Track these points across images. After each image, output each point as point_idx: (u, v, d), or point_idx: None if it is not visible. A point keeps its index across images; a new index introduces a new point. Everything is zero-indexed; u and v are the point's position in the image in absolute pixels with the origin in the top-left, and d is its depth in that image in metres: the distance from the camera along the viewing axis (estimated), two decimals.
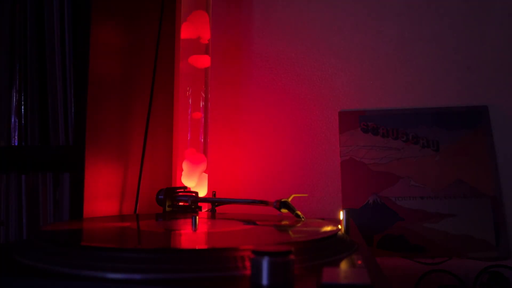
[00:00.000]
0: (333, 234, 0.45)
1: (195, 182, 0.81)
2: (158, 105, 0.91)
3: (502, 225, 0.78)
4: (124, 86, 0.81)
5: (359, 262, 0.37)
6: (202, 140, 0.84)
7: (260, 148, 0.95)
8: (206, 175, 0.83)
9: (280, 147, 0.94)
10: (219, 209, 0.72)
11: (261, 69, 0.97)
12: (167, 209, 0.71)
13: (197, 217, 0.52)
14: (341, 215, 0.53)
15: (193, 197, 0.73)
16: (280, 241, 0.44)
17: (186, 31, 0.85)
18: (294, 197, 0.65)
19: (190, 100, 0.83)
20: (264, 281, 0.28)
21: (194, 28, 0.85)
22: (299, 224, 0.55)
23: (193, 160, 0.82)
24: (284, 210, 0.62)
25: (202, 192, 0.81)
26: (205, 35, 0.86)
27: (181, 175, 0.83)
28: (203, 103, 0.84)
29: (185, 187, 0.78)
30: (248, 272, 0.33)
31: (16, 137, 0.75)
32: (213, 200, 0.72)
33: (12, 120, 0.75)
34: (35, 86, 0.74)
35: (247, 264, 0.33)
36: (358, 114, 0.90)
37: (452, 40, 0.88)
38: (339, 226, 0.51)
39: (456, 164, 0.83)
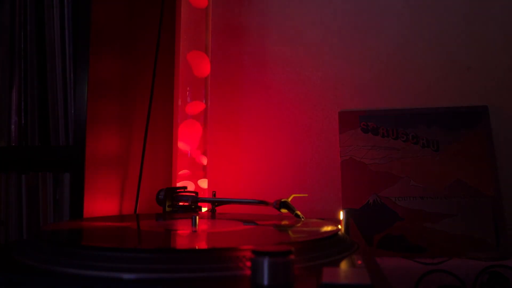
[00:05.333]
0: (333, 234, 0.45)
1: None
2: (158, 105, 0.91)
3: (502, 225, 0.78)
4: (125, 86, 0.81)
5: (359, 262, 0.37)
6: (202, 140, 0.84)
7: (260, 148, 0.95)
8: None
9: (280, 147, 0.94)
10: (219, 209, 0.72)
11: (261, 69, 0.97)
12: (167, 209, 0.71)
13: (197, 217, 0.52)
14: (341, 215, 0.53)
15: (193, 197, 0.73)
16: (280, 241, 0.44)
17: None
18: (294, 197, 0.65)
19: (189, 100, 0.83)
20: (264, 281, 0.28)
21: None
22: (299, 224, 0.55)
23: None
24: (284, 210, 0.62)
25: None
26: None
27: (180, 175, 0.83)
28: (203, 104, 0.84)
29: (185, 187, 0.78)
30: (248, 272, 0.33)
31: (16, 137, 0.75)
32: (213, 200, 0.72)
33: (12, 120, 0.75)
34: (35, 86, 0.74)
35: (247, 264, 0.33)
36: (358, 114, 0.90)
37: (452, 40, 0.88)
38: (339, 226, 0.51)
39: (456, 164, 0.83)
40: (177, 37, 1.00)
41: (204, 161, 0.84)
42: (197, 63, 0.84)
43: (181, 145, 0.83)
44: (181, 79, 0.85)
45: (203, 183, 0.83)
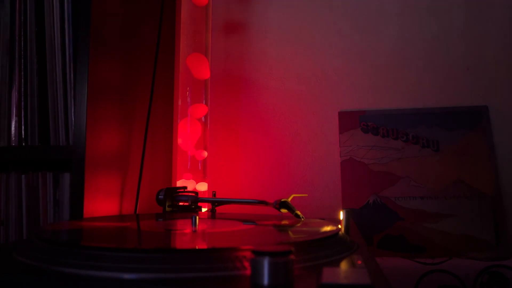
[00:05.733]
0: (333, 234, 0.45)
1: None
2: (158, 105, 0.91)
3: (502, 225, 0.78)
4: (125, 86, 0.81)
5: (359, 262, 0.37)
6: (202, 140, 0.84)
7: (260, 148, 0.95)
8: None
9: (280, 147, 0.94)
10: (219, 209, 0.72)
11: (261, 69, 0.97)
12: (167, 209, 0.71)
13: (197, 217, 0.52)
14: (341, 215, 0.53)
15: (193, 197, 0.73)
16: (280, 241, 0.44)
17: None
18: (294, 197, 0.65)
19: (189, 101, 0.83)
20: (264, 281, 0.28)
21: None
22: (299, 224, 0.55)
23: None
24: (284, 210, 0.62)
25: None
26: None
27: (181, 174, 0.83)
28: (203, 104, 0.84)
29: (185, 187, 0.78)
30: (248, 272, 0.33)
31: (16, 137, 0.75)
32: (213, 200, 0.72)
33: (12, 120, 0.75)
34: (35, 86, 0.74)
35: (247, 264, 0.33)
36: (358, 114, 0.90)
37: (452, 40, 0.88)
38: (339, 226, 0.51)
39: (456, 164, 0.83)
40: (177, 37, 1.00)
41: (204, 154, 0.83)
42: (197, 66, 0.84)
43: (180, 142, 0.83)
44: (181, 82, 0.84)
45: (203, 187, 0.82)
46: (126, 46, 0.82)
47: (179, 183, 0.82)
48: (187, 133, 0.82)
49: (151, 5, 0.90)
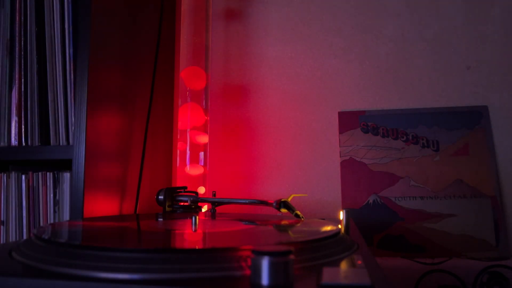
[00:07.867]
0: (333, 234, 0.45)
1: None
2: (158, 105, 0.91)
3: (502, 225, 0.78)
4: (125, 86, 0.81)
5: (359, 262, 0.37)
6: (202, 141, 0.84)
7: (260, 148, 0.95)
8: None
9: (280, 147, 0.94)
10: (219, 209, 0.72)
11: (261, 68, 0.97)
12: (167, 209, 0.71)
13: (197, 217, 0.52)
14: (341, 215, 0.53)
15: (193, 197, 0.73)
16: (280, 241, 0.44)
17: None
18: (294, 197, 0.65)
19: (189, 99, 0.83)
20: (264, 281, 0.28)
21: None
22: (299, 224, 0.55)
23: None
24: (284, 210, 0.62)
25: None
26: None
27: (181, 173, 0.83)
28: (203, 103, 0.84)
29: (185, 187, 0.78)
30: (248, 272, 0.33)
31: (16, 137, 0.75)
32: (213, 200, 0.72)
33: (12, 120, 0.75)
34: (35, 87, 0.74)
35: (247, 264, 0.33)
36: (358, 114, 0.90)
37: (452, 40, 0.88)
38: (339, 226, 0.51)
39: (456, 164, 0.83)
40: (177, 34, 1.00)
41: (205, 139, 0.83)
42: (192, 78, 0.83)
43: (181, 124, 0.83)
44: (181, 87, 0.84)
45: (201, 190, 0.82)
46: (127, 45, 0.82)
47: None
48: (187, 117, 0.82)
49: (151, 1, 0.90)
